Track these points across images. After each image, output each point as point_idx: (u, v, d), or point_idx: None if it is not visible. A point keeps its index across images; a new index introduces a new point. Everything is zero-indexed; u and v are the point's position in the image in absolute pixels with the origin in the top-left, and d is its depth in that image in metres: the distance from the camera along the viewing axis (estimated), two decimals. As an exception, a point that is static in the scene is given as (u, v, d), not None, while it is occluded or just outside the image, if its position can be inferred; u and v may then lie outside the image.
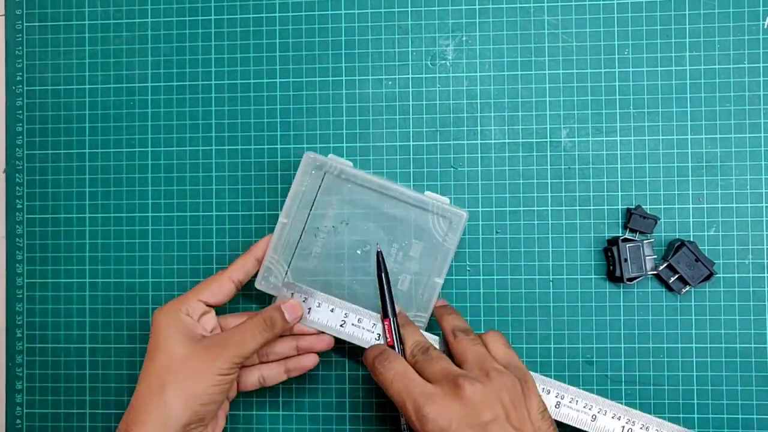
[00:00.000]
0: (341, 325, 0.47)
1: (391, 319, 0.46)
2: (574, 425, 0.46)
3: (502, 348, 0.44)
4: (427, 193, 0.49)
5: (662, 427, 0.46)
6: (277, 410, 0.53)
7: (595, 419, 0.46)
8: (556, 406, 0.46)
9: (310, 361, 0.48)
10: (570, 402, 0.46)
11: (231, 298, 0.47)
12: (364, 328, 0.47)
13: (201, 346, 0.43)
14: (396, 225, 0.48)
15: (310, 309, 0.47)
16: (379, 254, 0.47)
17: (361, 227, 0.49)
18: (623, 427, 0.46)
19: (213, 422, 0.45)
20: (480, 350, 0.43)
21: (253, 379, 0.48)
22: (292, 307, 0.46)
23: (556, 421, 0.44)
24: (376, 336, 0.47)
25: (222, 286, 0.46)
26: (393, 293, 0.47)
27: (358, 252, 0.49)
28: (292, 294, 0.48)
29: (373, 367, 0.43)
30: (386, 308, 0.46)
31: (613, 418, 0.46)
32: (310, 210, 0.49)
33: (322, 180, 0.49)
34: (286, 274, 0.49)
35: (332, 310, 0.47)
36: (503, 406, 0.40)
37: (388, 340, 0.46)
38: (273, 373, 0.49)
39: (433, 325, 0.49)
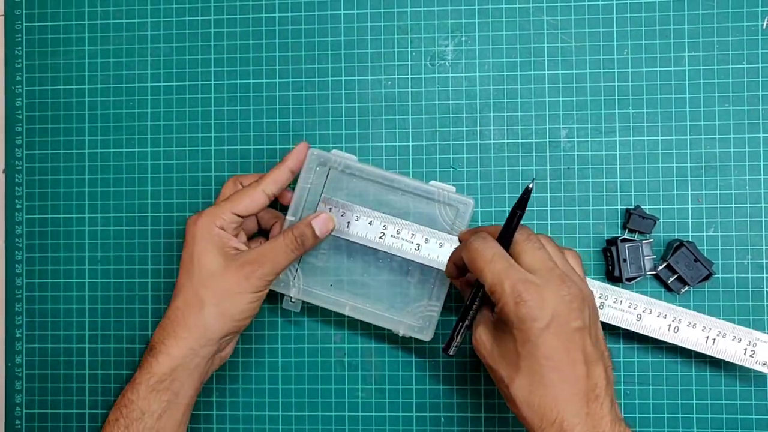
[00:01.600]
0: (380, 237, 0.47)
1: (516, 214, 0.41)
2: (619, 325, 0.46)
3: (581, 273, 0.43)
4: (432, 182, 0.48)
5: (709, 324, 0.46)
6: (276, 410, 0.53)
7: (640, 318, 0.46)
8: (600, 307, 0.46)
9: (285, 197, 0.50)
10: (614, 303, 0.46)
11: (262, 210, 0.47)
12: (403, 239, 0.47)
13: (236, 263, 0.45)
14: (404, 217, 0.48)
15: (349, 223, 0.48)
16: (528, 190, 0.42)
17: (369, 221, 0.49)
18: (669, 325, 0.46)
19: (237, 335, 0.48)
20: (572, 267, 0.42)
21: None
22: (322, 221, 0.47)
23: (602, 322, 0.43)
24: (416, 246, 0.47)
25: (255, 200, 0.46)
26: (400, 285, 0.48)
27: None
28: (330, 209, 0.48)
29: (470, 244, 0.41)
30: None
31: (658, 316, 0.46)
32: (317, 207, 0.49)
33: (327, 176, 0.49)
34: (296, 271, 0.49)
35: (370, 223, 0.48)
36: (590, 318, 0.39)
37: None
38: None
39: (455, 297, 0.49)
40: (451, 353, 0.43)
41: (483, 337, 0.41)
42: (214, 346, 0.45)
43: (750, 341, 0.46)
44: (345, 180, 0.49)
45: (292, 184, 0.49)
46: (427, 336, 0.49)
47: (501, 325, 0.40)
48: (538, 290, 0.38)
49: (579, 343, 0.38)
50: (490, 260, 0.40)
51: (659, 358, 0.51)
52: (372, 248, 0.48)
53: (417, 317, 0.49)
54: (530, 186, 0.41)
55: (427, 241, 0.47)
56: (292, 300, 0.49)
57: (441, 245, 0.47)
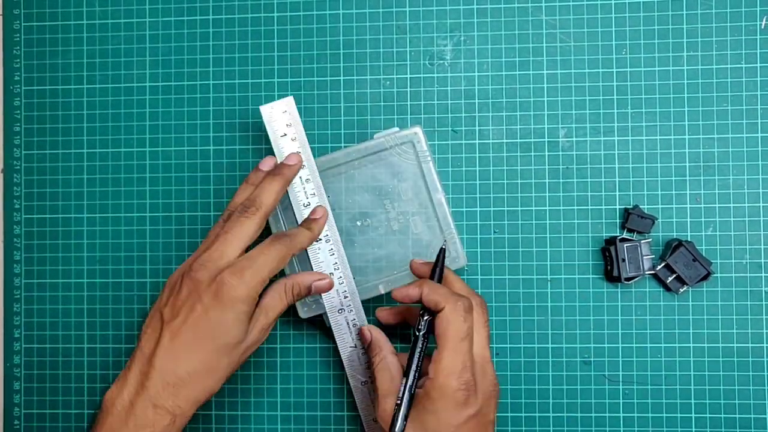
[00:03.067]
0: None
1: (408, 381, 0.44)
2: None
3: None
4: (375, 136, 0.49)
5: None
6: (275, 410, 0.53)
7: None
8: None
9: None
10: None
11: None
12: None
13: (257, 328, 0.43)
14: (376, 184, 0.49)
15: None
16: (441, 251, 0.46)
17: (349, 203, 0.49)
18: None
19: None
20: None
21: None
22: (323, 287, 0.47)
23: None
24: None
25: (283, 263, 0.44)
26: (410, 241, 0.49)
27: (358, 224, 0.49)
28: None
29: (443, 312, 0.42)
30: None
31: None
32: (293, 211, 0.49)
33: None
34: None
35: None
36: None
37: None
38: None
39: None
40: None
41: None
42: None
43: None
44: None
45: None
46: (462, 261, 0.49)
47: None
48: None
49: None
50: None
51: (658, 357, 0.51)
52: (361, 226, 0.49)
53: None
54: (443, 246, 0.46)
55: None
56: (308, 308, 0.49)
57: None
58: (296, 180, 0.47)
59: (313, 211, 0.47)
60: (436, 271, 0.45)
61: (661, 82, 0.51)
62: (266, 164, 0.47)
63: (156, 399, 0.41)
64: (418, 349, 0.43)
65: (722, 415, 0.50)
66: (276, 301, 0.45)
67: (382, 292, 0.49)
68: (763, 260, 0.51)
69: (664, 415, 0.51)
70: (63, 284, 0.54)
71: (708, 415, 0.51)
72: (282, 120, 0.48)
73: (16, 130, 0.55)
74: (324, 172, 0.49)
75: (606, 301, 0.51)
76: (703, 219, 0.51)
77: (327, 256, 0.48)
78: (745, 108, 0.51)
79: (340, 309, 0.48)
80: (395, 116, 0.53)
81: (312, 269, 0.48)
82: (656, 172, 0.51)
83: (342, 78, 0.53)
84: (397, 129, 0.49)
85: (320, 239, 0.47)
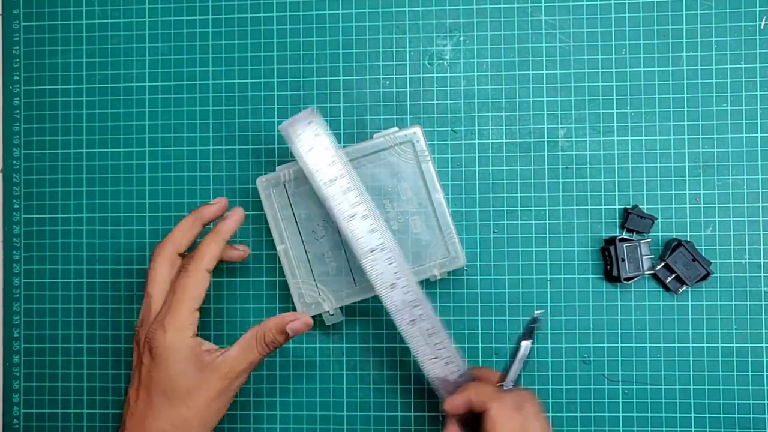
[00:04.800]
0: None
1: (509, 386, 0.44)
2: None
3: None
4: (375, 136, 0.49)
5: None
6: (274, 410, 0.53)
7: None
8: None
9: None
10: None
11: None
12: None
13: (215, 377, 0.43)
14: (375, 184, 0.48)
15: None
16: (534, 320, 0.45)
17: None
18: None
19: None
20: None
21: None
22: (299, 327, 0.45)
23: None
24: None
25: (204, 284, 0.44)
26: (409, 240, 0.48)
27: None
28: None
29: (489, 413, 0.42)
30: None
31: None
32: (296, 223, 0.49)
33: (287, 192, 0.49)
34: (317, 287, 0.49)
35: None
36: None
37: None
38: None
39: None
40: None
41: None
42: None
43: None
44: (305, 186, 0.48)
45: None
46: (462, 261, 0.48)
47: None
48: None
49: None
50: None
51: (657, 357, 0.51)
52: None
53: (442, 252, 0.48)
54: (536, 316, 0.45)
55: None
56: (331, 313, 0.49)
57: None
58: (336, 192, 0.43)
59: (215, 203, 0.46)
60: (518, 351, 0.44)
61: (661, 82, 0.51)
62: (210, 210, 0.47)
63: None
64: None
65: (722, 415, 0.51)
66: (245, 353, 0.44)
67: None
68: (762, 260, 0.51)
69: (664, 415, 0.51)
70: (62, 284, 0.54)
71: (707, 415, 0.51)
72: (308, 133, 0.44)
73: (15, 130, 0.55)
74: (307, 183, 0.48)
75: (605, 301, 0.51)
76: (702, 219, 0.51)
77: (385, 266, 0.44)
78: (744, 108, 0.51)
79: (412, 320, 0.44)
80: (395, 116, 0.53)
81: (373, 282, 0.44)
82: (656, 172, 0.51)
83: (341, 78, 0.53)
84: (396, 129, 0.49)
85: (374, 249, 0.44)
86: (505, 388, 0.44)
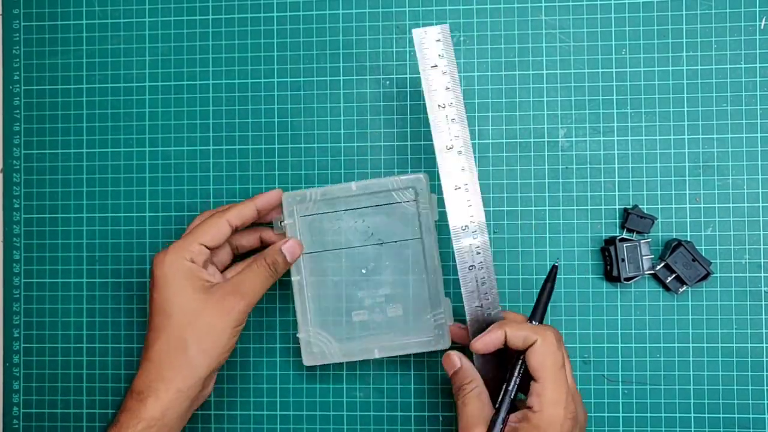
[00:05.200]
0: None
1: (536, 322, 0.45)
2: None
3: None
4: (386, 178, 0.48)
5: None
6: (274, 410, 0.53)
7: None
8: None
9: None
10: None
11: (226, 240, 0.47)
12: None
13: (215, 297, 0.44)
14: (375, 228, 0.48)
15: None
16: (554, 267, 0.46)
17: (350, 252, 0.49)
18: None
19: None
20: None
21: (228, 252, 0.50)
22: (290, 247, 0.47)
23: None
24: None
25: (220, 230, 0.46)
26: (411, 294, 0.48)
27: (363, 272, 0.49)
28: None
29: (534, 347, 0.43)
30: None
31: None
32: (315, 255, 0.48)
33: (307, 212, 0.48)
34: (327, 341, 0.49)
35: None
36: None
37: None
38: (247, 239, 0.50)
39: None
40: None
41: None
42: (200, 385, 0.44)
43: None
44: (318, 209, 0.48)
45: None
46: (445, 344, 0.48)
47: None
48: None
49: None
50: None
51: (657, 357, 0.51)
52: (366, 273, 0.48)
53: (428, 330, 0.48)
54: (556, 264, 0.46)
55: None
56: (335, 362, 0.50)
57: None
58: (441, 119, 0.45)
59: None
60: (543, 294, 0.45)
61: (661, 82, 0.51)
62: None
63: (136, 384, 0.44)
64: (515, 377, 0.43)
65: (721, 415, 0.51)
66: (246, 274, 0.45)
67: (376, 356, 0.49)
68: (762, 260, 0.51)
69: (664, 415, 0.51)
70: (62, 284, 0.54)
71: (707, 415, 0.51)
72: (435, 49, 0.45)
73: (15, 130, 0.55)
74: (320, 215, 0.48)
75: (605, 301, 0.51)
76: (702, 219, 0.51)
77: (465, 207, 0.45)
78: (744, 108, 0.51)
79: (471, 266, 0.45)
80: (395, 116, 0.53)
81: (449, 217, 0.45)
82: (656, 172, 0.51)
83: (342, 78, 0.53)
84: (405, 176, 0.48)
85: (458, 187, 0.45)
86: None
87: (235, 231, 0.47)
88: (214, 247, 0.46)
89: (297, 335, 0.49)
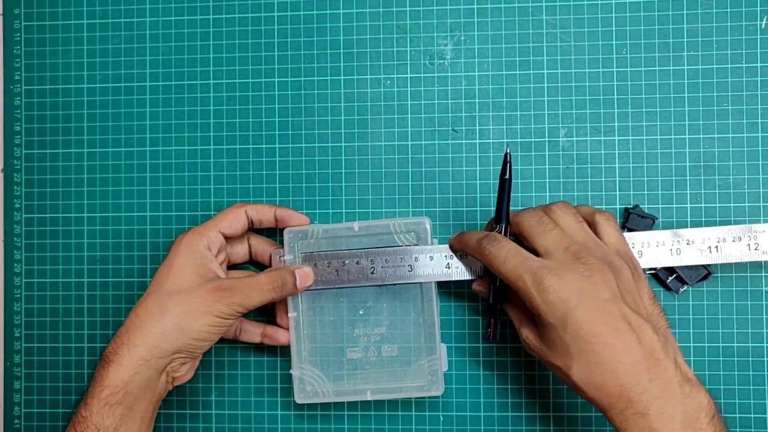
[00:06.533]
0: (372, 272, 0.47)
1: (503, 225, 0.45)
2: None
3: (614, 234, 0.44)
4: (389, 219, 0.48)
5: (706, 234, 0.46)
6: (275, 410, 0.53)
7: (641, 255, 0.46)
8: (676, 253, 0.46)
9: (284, 336, 0.49)
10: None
11: (243, 233, 0.49)
12: (395, 265, 0.47)
13: (209, 285, 0.45)
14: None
15: (338, 270, 0.48)
16: (507, 155, 0.45)
17: (350, 292, 0.49)
18: (671, 249, 0.46)
19: (196, 360, 0.48)
20: (593, 236, 0.43)
21: (232, 328, 0.50)
22: (304, 274, 0.47)
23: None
24: (408, 268, 0.47)
25: (237, 218, 0.48)
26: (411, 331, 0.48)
27: (360, 312, 0.49)
28: (315, 264, 0.48)
29: (481, 247, 0.43)
30: (500, 213, 0.45)
31: (658, 246, 0.46)
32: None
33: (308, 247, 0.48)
34: (322, 381, 0.49)
35: (357, 263, 0.48)
36: (619, 288, 0.40)
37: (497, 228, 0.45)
38: (251, 330, 0.50)
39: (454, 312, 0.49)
40: (496, 339, 0.47)
41: (530, 336, 0.43)
42: (167, 359, 0.44)
43: (750, 236, 0.46)
44: (319, 246, 0.49)
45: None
46: (438, 390, 0.48)
47: (540, 320, 0.40)
48: (556, 273, 0.39)
49: (616, 313, 0.39)
50: (504, 259, 0.41)
51: (658, 357, 0.51)
52: (364, 314, 0.48)
53: (423, 376, 0.48)
54: (507, 151, 0.44)
55: (417, 259, 0.47)
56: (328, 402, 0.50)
57: (431, 258, 0.47)
58: None
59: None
60: (505, 190, 0.45)
61: (661, 81, 0.51)
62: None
63: (105, 351, 0.45)
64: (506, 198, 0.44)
65: (722, 415, 0.50)
66: (256, 283, 0.45)
67: (368, 398, 0.49)
68: (762, 260, 0.51)
69: (664, 414, 0.51)
70: (63, 284, 0.54)
71: (708, 415, 0.50)
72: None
73: (16, 130, 0.55)
74: (336, 238, 0.48)
75: (606, 300, 0.51)
76: (703, 219, 0.51)
77: None
78: (745, 108, 0.51)
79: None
80: (395, 116, 0.53)
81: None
82: (656, 171, 0.51)
83: (342, 77, 0.53)
84: (411, 219, 0.48)
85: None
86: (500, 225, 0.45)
87: (252, 226, 0.49)
88: (230, 235, 0.47)
89: (291, 372, 0.49)
